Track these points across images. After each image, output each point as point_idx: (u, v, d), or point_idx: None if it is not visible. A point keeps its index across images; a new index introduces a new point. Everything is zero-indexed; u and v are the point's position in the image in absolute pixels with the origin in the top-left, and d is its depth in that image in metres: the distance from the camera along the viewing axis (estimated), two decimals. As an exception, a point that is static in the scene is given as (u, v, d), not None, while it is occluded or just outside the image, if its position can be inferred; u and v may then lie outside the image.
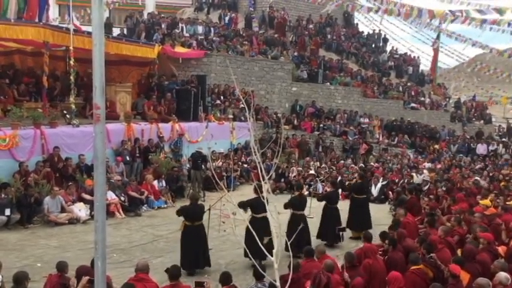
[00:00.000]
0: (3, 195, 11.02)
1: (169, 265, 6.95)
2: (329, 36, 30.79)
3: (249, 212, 9.15)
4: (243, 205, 9.06)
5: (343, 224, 11.48)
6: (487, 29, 23.10)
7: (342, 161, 20.75)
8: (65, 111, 14.41)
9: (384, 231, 8.83)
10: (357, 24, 35.36)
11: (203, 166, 15.77)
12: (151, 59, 18.30)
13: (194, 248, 8.93)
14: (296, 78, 25.55)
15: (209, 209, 9.43)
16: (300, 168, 18.60)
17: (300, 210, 10.16)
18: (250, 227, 4.30)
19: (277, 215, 4.21)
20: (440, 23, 28.58)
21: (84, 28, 17.34)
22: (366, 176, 15.17)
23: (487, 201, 12.07)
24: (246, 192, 13.81)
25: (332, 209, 11.27)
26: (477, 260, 7.43)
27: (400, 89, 29.96)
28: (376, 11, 25.30)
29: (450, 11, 23.01)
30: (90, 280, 5.79)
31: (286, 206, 10.15)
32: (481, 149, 24.53)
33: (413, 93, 30.34)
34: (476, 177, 16.80)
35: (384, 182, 16.90)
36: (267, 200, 4.42)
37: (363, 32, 34.99)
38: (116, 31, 21.38)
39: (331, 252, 9.51)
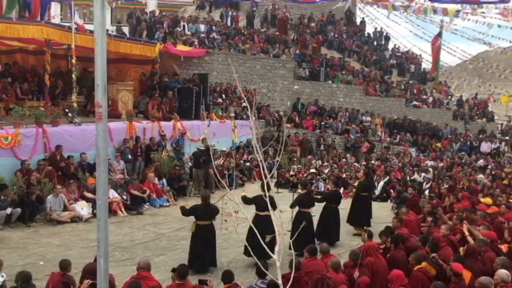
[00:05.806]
0: (2, 197, 11.01)
1: (171, 263, 6.95)
2: (331, 35, 30.74)
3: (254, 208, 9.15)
4: (246, 200, 9.17)
5: (342, 223, 11.46)
6: (495, 26, 23.03)
7: (344, 159, 20.74)
8: (67, 110, 14.42)
9: (383, 230, 8.82)
10: (360, 22, 35.24)
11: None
12: (152, 57, 18.30)
13: (203, 248, 8.92)
14: (298, 76, 25.52)
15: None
16: (300, 166, 18.62)
17: (306, 208, 10.19)
18: (252, 225, 4.30)
19: (280, 213, 4.21)
20: (443, 21, 28.45)
21: (86, 26, 17.31)
22: (371, 174, 15.09)
23: (488, 199, 12.05)
24: (248, 190, 13.78)
25: (331, 209, 11.21)
26: (480, 258, 7.42)
27: (402, 87, 29.88)
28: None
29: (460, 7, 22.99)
30: (92, 284, 5.77)
31: (292, 205, 10.20)
32: (485, 147, 24.47)
33: (415, 91, 30.27)
34: (480, 175, 16.77)
35: (385, 179, 16.88)
36: (271, 199, 4.41)
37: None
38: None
39: (334, 251, 9.50)
